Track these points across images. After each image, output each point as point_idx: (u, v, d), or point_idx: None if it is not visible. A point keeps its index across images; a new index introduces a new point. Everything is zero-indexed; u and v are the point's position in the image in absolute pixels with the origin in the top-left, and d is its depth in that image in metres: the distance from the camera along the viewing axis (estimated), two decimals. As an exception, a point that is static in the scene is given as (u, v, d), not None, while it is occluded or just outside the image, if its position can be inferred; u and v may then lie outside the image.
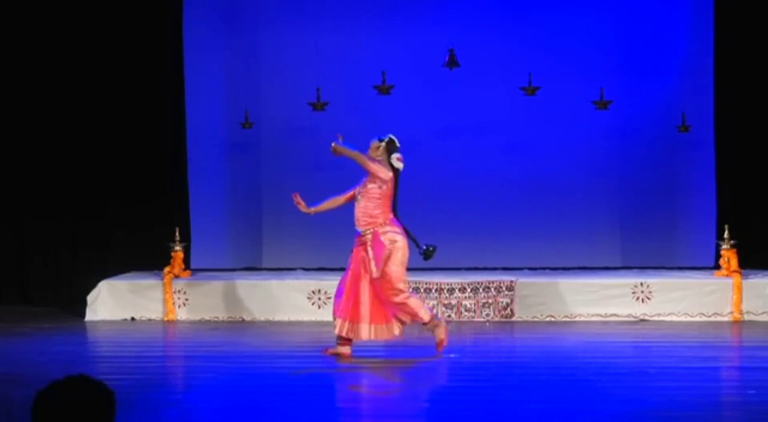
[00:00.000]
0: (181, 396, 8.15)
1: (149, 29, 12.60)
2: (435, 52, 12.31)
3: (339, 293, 9.25)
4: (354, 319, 9.09)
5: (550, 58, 12.66)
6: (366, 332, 9.09)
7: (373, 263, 9.11)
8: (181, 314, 11.64)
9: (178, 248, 11.95)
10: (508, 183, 12.94)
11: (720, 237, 11.68)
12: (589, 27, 12.80)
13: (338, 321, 9.16)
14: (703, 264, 12.23)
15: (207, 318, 11.59)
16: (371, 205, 9.21)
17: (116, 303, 11.73)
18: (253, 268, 12.94)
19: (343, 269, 12.47)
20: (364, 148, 9.46)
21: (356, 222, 9.34)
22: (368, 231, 9.24)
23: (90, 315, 11.73)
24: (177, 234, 11.99)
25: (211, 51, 13.01)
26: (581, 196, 12.89)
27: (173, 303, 11.63)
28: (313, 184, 13.07)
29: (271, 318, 11.51)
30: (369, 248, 9.17)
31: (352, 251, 9.38)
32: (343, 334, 9.15)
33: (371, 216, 9.20)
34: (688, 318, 11.18)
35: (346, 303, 9.13)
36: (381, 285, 9.12)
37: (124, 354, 9.87)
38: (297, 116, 12.76)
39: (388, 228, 9.18)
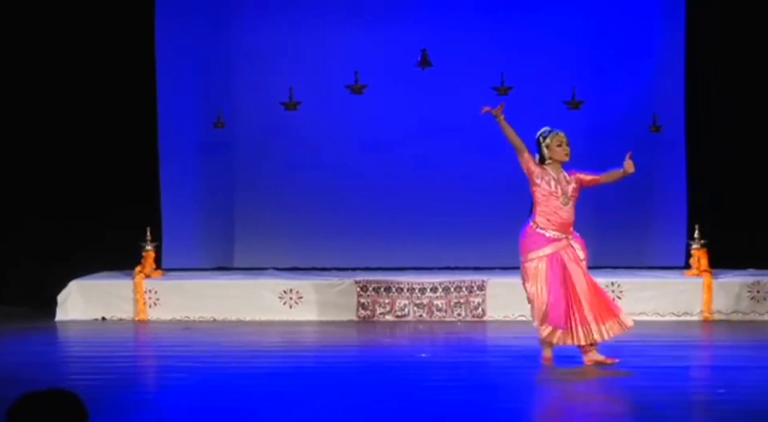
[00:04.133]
0: (153, 396, 8.12)
1: (120, 28, 12.54)
2: (407, 51, 12.32)
3: (554, 304, 8.54)
4: (583, 323, 8.56)
5: (523, 58, 12.69)
6: (598, 333, 8.60)
7: (584, 263, 8.72)
8: (152, 314, 11.60)
9: (149, 248, 11.92)
10: (479, 182, 12.96)
11: (690, 236, 11.74)
12: (561, 27, 12.83)
13: (558, 332, 8.56)
14: (673, 263, 12.28)
15: (178, 317, 11.56)
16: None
17: (87, 303, 11.69)
18: (224, 268, 12.92)
19: (314, 269, 12.55)
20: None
21: (564, 227, 8.70)
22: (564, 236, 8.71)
23: (60, 315, 11.68)
24: (148, 233, 11.95)
25: (183, 50, 12.97)
26: (553, 196, 12.91)
27: (144, 303, 11.60)
28: (286, 183, 13.10)
29: (242, 318, 11.49)
30: (577, 249, 8.69)
31: (530, 259, 8.76)
32: (578, 343, 8.58)
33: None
34: (659, 318, 11.24)
35: (567, 311, 8.56)
36: (591, 281, 8.73)
37: (94, 355, 9.83)
38: (269, 116, 12.74)
39: None
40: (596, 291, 8.71)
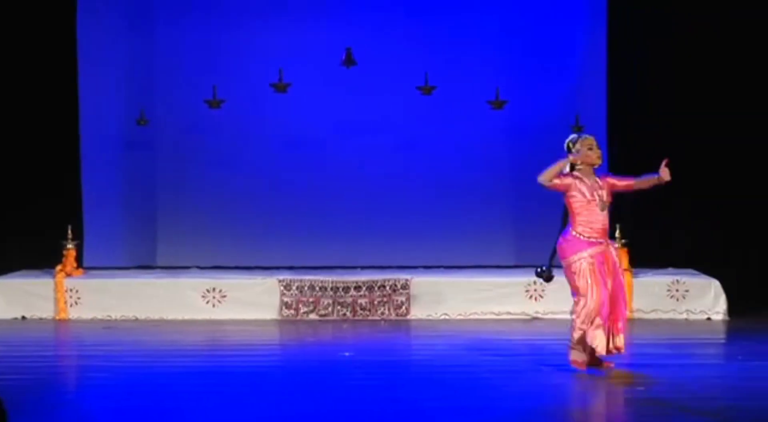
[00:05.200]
0: (74, 396, 8.05)
1: (41, 24, 12.41)
2: (332, 50, 12.34)
3: (602, 310, 8.34)
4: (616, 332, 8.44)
5: (446, 57, 12.75)
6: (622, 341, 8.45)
7: (622, 269, 8.58)
8: (73, 313, 11.49)
9: (70, 246, 11.81)
10: (403, 182, 13.00)
11: (611, 236, 11.83)
12: (485, 27, 12.91)
13: (603, 337, 8.36)
14: (595, 262, 12.38)
15: (100, 317, 11.45)
16: None
17: (6, 301, 11.54)
18: (147, 267, 12.83)
19: (238, 267, 12.50)
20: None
21: (603, 232, 8.50)
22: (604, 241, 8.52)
23: (-21, 314, 11.54)
24: (69, 232, 11.84)
25: (106, 46, 12.86)
26: (476, 196, 13.01)
27: (65, 302, 11.48)
28: (209, 181, 13.04)
29: (165, 317, 11.41)
30: (615, 255, 8.53)
31: (573, 262, 8.51)
32: (613, 350, 8.44)
33: None
34: (581, 316, 11.32)
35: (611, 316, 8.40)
36: (624, 296, 8.59)
37: (14, 354, 9.71)
38: (193, 113, 12.69)
39: None
40: (618, 302, 8.50)
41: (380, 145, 12.98)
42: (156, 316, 11.43)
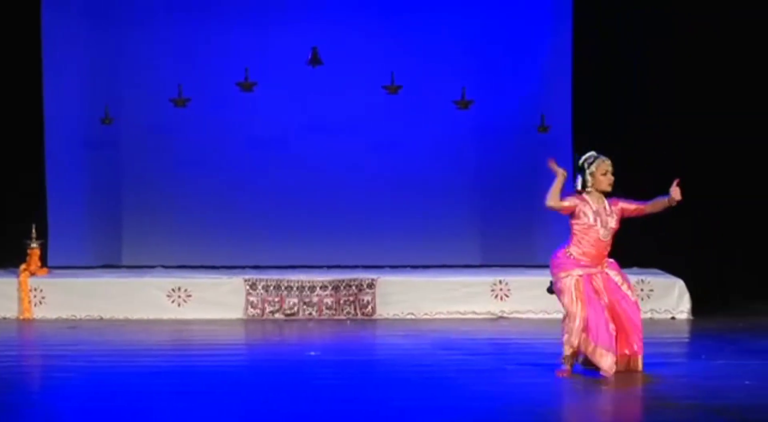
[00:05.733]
0: (39, 396, 8.01)
1: (5, 22, 12.34)
2: (298, 49, 12.33)
3: (594, 322, 8.17)
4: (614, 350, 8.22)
5: (413, 57, 12.78)
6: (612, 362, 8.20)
7: (625, 286, 8.35)
8: (38, 312, 11.43)
9: (34, 245, 11.75)
10: (370, 181, 13.02)
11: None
12: (451, 27, 12.94)
13: (610, 357, 8.15)
14: (560, 262, 12.42)
15: (64, 316, 11.40)
16: None
17: (-31, 301, 11.48)
18: (112, 266, 12.79)
19: (203, 267, 12.47)
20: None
21: (598, 260, 8.31)
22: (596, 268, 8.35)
23: (-59, 314, 11.46)
24: (33, 231, 11.78)
25: (71, 46, 12.82)
26: (442, 195, 13.04)
27: (29, 302, 11.42)
28: (174, 180, 13.01)
29: (130, 317, 11.38)
30: (612, 275, 8.33)
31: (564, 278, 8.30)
32: (619, 368, 8.23)
33: None
34: (546, 316, 11.39)
35: (615, 335, 8.22)
36: (634, 310, 8.39)
37: (-22, 354, 9.66)
38: (158, 112, 12.66)
39: None
40: (623, 319, 8.33)
41: (346, 144, 12.99)
42: (121, 316, 11.39)
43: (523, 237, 13.06)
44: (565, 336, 8.31)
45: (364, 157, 13.02)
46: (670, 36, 12.43)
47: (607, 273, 8.35)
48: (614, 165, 8.44)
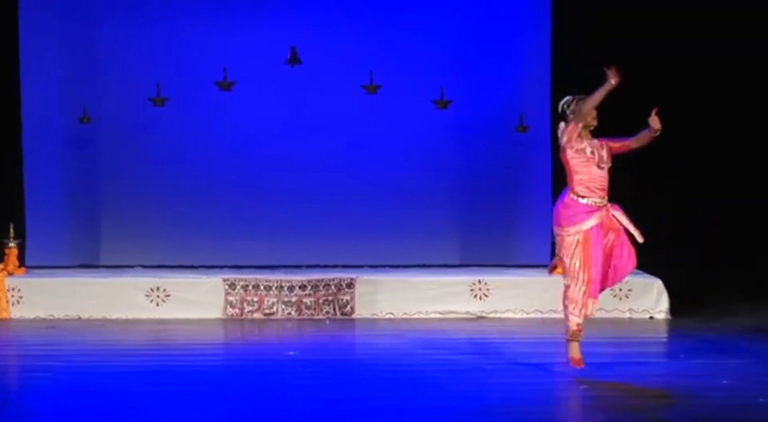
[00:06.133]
0: (16, 396, 7.98)
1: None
2: (277, 49, 12.32)
3: (595, 280, 8.20)
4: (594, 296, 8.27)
5: (392, 56, 12.78)
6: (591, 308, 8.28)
7: (632, 227, 8.31)
8: (15, 312, 11.38)
9: (12, 244, 11.70)
10: (348, 180, 13.01)
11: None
12: (430, 26, 12.94)
13: (593, 303, 8.24)
14: (539, 262, 12.46)
15: (42, 316, 11.36)
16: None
17: (-53, 301, 11.43)
18: (90, 266, 12.74)
19: (182, 266, 12.44)
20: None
21: (603, 192, 8.32)
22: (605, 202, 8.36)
23: None
24: (11, 230, 11.73)
25: (49, 45, 12.75)
26: (421, 195, 13.04)
27: (7, 301, 11.38)
28: (153, 180, 12.97)
29: (108, 316, 11.34)
30: (621, 215, 8.30)
31: (576, 230, 8.24)
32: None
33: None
34: (525, 315, 11.41)
35: (601, 281, 8.27)
36: (631, 254, 8.39)
37: (-45, 354, 9.63)
38: (137, 111, 12.62)
39: None
40: (609, 262, 8.35)
41: (325, 144, 12.98)
42: (99, 315, 11.35)
43: (502, 237, 13.08)
44: (570, 307, 8.26)
45: (342, 156, 13.01)
46: (652, 36, 12.45)
47: (613, 215, 8.34)
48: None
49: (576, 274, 8.23)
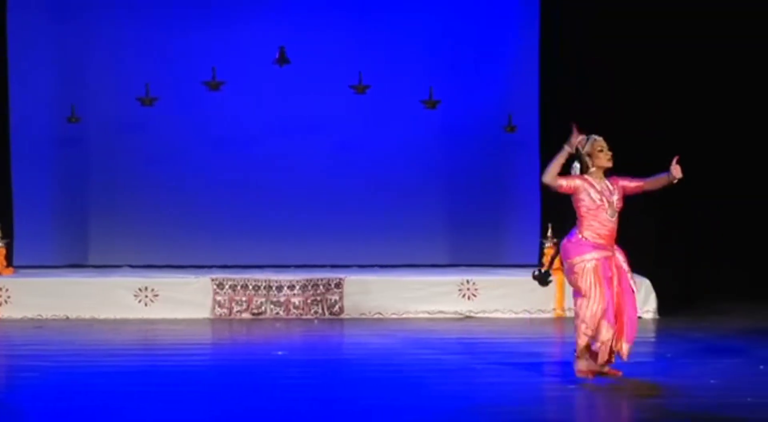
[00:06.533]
0: (4, 396, 7.97)
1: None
2: (265, 49, 12.32)
3: (608, 312, 8.08)
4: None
5: (380, 57, 12.79)
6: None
7: (629, 275, 8.27)
8: (3, 312, 11.37)
9: (0, 244, 11.69)
10: (337, 180, 13.02)
11: (543, 235, 11.94)
12: (419, 27, 12.96)
13: (627, 346, 8.18)
14: (527, 261, 12.49)
15: (30, 316, 11.34)
16: None
17: (-66, 301, 11.41)
18: (78, 265, 12.73)
19: (170, 266, 12.44)
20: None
21: (611, 239, 8.19)
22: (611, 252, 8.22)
23: None
24: (-1, 230, 11.74)
25: (37, 45, 12.74)
26: (409, 194, 13.05)
27: (-5, 301, 11.37)
28: (141, 179, 12.96)
29: (96, 316, 11.33)
30: (621, 261, 8.23)
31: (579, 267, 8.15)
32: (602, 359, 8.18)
33: None
34: (513, 315, 11.43)
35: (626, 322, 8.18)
36: (633, 301, 8.33)
37: (-57, 354, 9.61)
38: (125, 111, 12.62)
39: None
40: (625, 307, 8.25)
41: (313, 144, 12.98)
42: (88, 315, 11.34)
43: (491, 236, 13.10)
44: (582, 326, 8.13)
45: (331, 156, 13.02)
46: (642, 36, 12.47)
47: (618, 259, 8.25)
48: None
49: (590, 291, 8.10)
